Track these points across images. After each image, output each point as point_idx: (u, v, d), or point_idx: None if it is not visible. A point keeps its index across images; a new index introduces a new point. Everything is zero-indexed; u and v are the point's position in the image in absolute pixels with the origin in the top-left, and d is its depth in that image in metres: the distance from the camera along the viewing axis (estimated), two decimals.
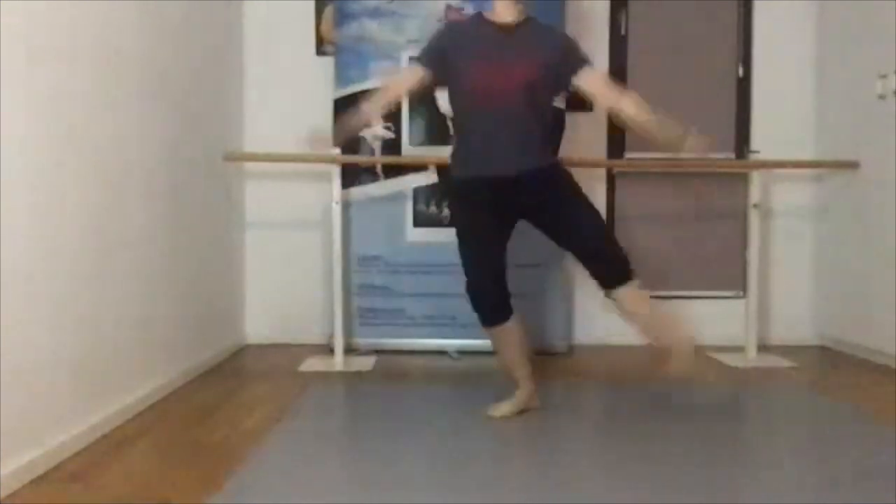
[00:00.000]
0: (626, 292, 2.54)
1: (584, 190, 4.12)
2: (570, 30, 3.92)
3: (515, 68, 2.48)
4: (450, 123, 3.29)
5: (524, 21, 2.55)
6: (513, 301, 3.75)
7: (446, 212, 3.83)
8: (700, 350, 2.70)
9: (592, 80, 2.60)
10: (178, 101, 3.12)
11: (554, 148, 3.75)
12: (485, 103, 2.50)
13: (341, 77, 3.83)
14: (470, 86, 2.53)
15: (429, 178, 3.81)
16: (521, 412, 2.64)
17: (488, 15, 2.58)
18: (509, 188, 2.51)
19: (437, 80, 2.67)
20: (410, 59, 2.75)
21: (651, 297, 2.63)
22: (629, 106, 2.59)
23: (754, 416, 2.89)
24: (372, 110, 2.76)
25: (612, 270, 2.55)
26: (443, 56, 2.58)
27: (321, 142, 2.87)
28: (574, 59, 2.58)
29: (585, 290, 4.12)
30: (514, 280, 3.76)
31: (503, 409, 2.63)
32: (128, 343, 2.63)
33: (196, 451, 2.30)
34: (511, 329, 2.64)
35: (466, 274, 2.62)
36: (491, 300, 2.62)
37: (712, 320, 4.07)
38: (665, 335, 2.62)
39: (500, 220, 2.60)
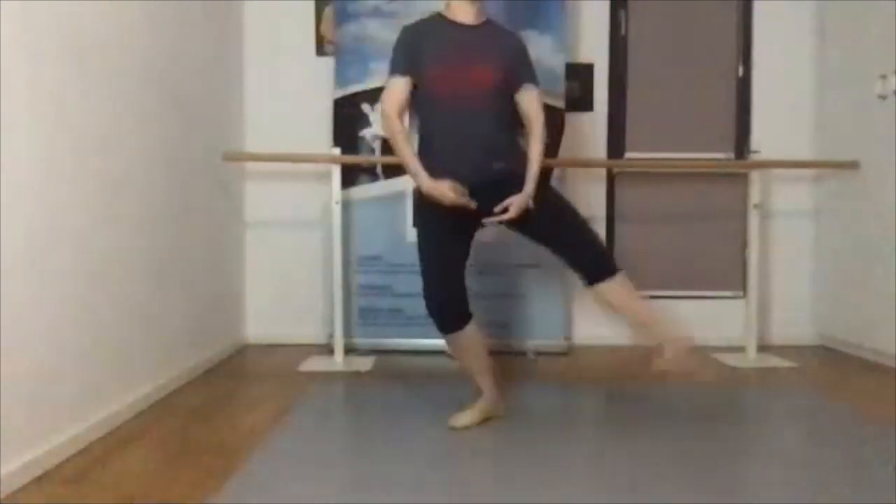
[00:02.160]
0: (610, 287, 2.53)
1: (582, 191, 4.15)
2: (571, 29, 3.94)
3: (481, 71, 2.45)
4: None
5: (484, 22, 2.54)
6: (513, 301, 3.80)
7: None
8: (699, 349, 2.62)
9: (531, 98, 2.56)
10: (178, 101, 3.12)
11: (553, 148, 3.78)
12: (452, 107, 2.45)
13: (341, 77, 3.83)
14: (437, 89, 2.46)
15: None
16: (485, 420, 2.58)
17: (447, 13, 2.54)
18: (480, 193, 2.44)
19: (416, 84, 2.53)
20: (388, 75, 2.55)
21: (644, 296, 2.58)
22: (536, 146, 2.55)
23: (754, 416, 2.89)
24: (418, 165, 2.51)
25: (593, 265, 2.54)
26: (412, 58, 2.48)
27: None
28: (522, 71, 2.55)
29: (585, 290, 4.13)
30: (514, 280, 3.80)
31: (464, 418, 2.56)
32: (128, 343, 2.64)
33: (196, 451, 2.30)
34: (470, 335, 2.57)
35: (425, 279, 2.54)
36: (449, 307, 2.55)
37: (712, 320, 4.07)
38: (658, 331, 2.58)
39: (463, 226, 2.54)
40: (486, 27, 2.54)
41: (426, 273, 2.55)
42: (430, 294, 2.54)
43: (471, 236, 2.59)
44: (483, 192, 2.45)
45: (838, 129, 3.96)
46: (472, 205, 2.42)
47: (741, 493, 2.03)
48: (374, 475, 2.11)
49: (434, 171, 2.47)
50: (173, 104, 3.06)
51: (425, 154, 2.53)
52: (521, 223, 2.52)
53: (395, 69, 2.51)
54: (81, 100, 2.32)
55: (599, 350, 3.96)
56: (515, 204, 2.44)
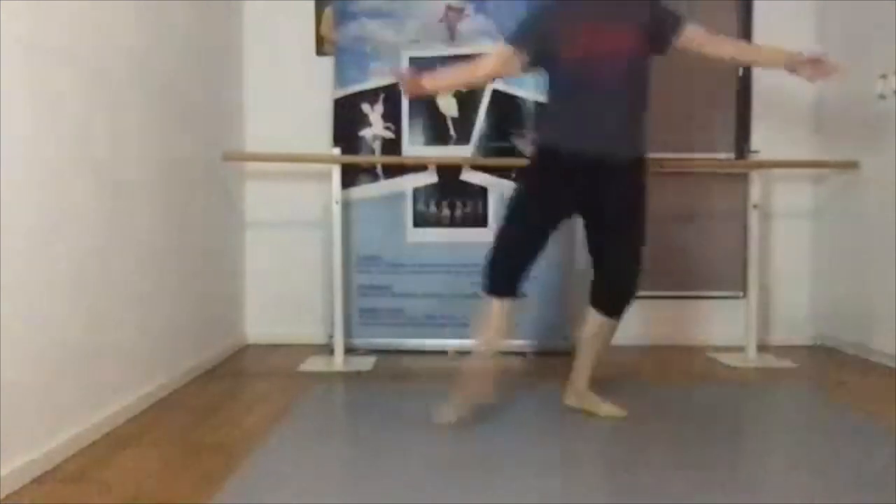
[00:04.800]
0: (601, 321, 2.61)
1: None
2: None
3: (620, 36, 2.44)
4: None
5: None
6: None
7: (446, 212, 3.83)
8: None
9: (692, 35, 2.58)
10: (178, 101, 3.12)
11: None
12: (592, 75, 2.44)
13: (341, 77, 3.83)
14: (575, 56, 2.45)
15: (429, 178, 3.81)
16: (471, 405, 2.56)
17: None
18: (606, 170, 2.46)
19: (530, 60, 2.58)
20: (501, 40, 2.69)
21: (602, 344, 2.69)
22: (732, 50, 2.71)
23: (754, 416, 2.89)
24: (442, 83, 2.89)
25: (613, 301, 2.58)
26: (541, 32, 2.52)
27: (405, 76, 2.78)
28: (665, 25, 2.55)
29: (585, 290, 4.13)
30: None
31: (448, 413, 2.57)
32: (128, 343, 2.63)
33: (196, 451, 2.30)
34: (507, 310, 2.58)
35: (498, 244, 2.56)
36: (514, 269, 2.56)
37: (712, 320, 4.07)
38: (583, 374, 2.70)
39: (566, 205, 2.56)
40: None
41: (502, 239, 2.58)
42: (498, 252, 2.57)
43: (562, 221, 2.61)
44: (600, 173, 2.47)
45: (838, 129, 3.96)
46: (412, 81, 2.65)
47: (741, 493, 2.02)
48: (374, 475, 2.11)
49: (556, 143, 2.52)
50: (173, 104, 3.06)
51: (548, 127, 2.58)
52: (605, 206, 2.53)
53: (512, 39, 2.59)
54: (81, 100, 2.32)
55: None
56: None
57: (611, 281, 2.59)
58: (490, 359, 2.63)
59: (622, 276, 2.59)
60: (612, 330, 2.67)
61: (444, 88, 3.18)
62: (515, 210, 2.59)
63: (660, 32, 2.54)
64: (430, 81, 2.73)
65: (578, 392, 2.71)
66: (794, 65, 2.54)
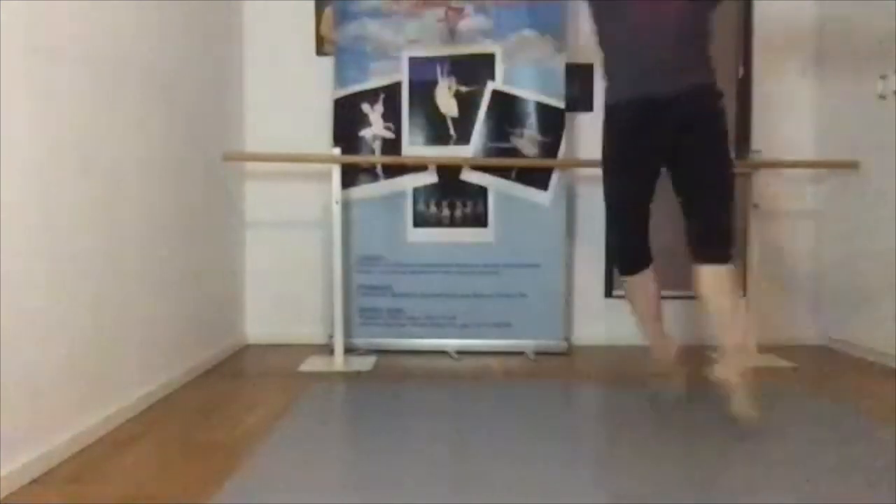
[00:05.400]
0: (710, 272, 2.48)
1: (582, 191, 4.13)
2: (571, 29, 3.92)
3: None
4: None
5: None
6: (513, 301, 3.80)
7: (446, 212, 3.83)
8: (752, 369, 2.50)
9: None
10: (178, 101, 3.12)
11: (553, 148, 3.77)
12: (640, 15, 2.37)
13: (341, 77, 3.83)
14: None
15: (429, 178, 3.81)
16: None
17: None
18: (665, 109, 2.37)
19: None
20: None
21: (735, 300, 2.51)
22: None
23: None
24: None
25: (709, 243, 2.46)
26: None
27: None
28: None
29: (585, 290, 4.13)
30: (514, 280, 3.80)
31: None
32: (128, 343, 2.63)
33: (196, 451, 2.30)
34: (641, 281, 2.60)
35: (608, 217, 2.55)
36: (628, 253, 2.56)
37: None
38: (729, 336, 2.48)
39: (648, 153, 2.46)
40: None
41: (608, 210, 2.57)
42: (611, 237, 2.61)
43: (656, 172, 2.52)
44: (668, 108, 2.38)
45: (838, 129, 3.96)
46: None
47: (741, 493, 2.02)
48: (374, 475, 2.11)
49: (619, 87, 2.47)
50: (173, 104, 3.06)
51: (611, 71, 2.50)
52: (682, 144, 2.43)
53: None
54: (81, 100, 2.32)
55: (599, 350, 3.96)
56: None
57: (705, 220, 2.46)
58: (656, 324, 2.64)
59: (714, 214, 2.47)
60: (733, 284, 2.51)
61: None
62: (606, 185, 2.55)
63: None
64: None
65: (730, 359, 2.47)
66: None
